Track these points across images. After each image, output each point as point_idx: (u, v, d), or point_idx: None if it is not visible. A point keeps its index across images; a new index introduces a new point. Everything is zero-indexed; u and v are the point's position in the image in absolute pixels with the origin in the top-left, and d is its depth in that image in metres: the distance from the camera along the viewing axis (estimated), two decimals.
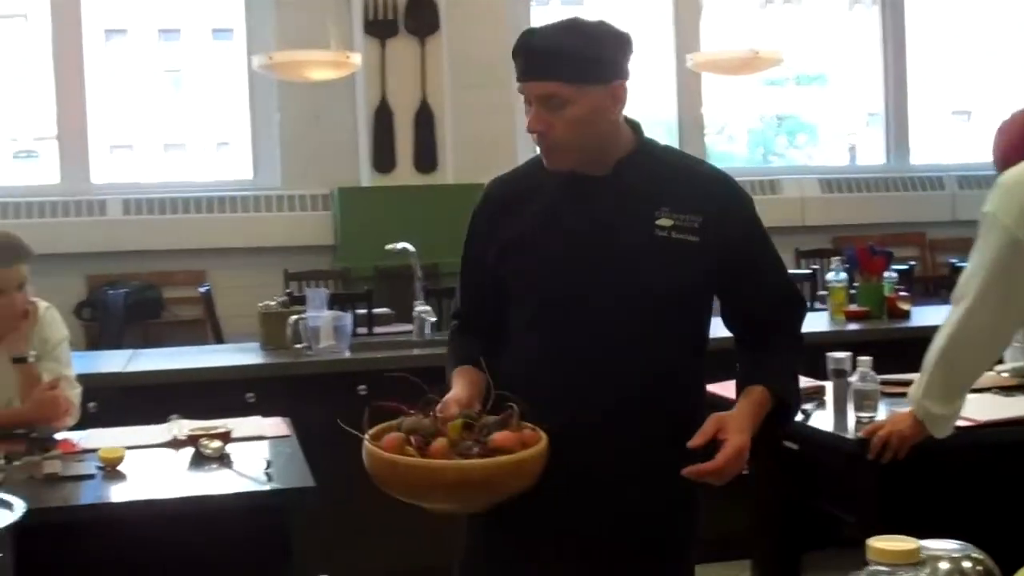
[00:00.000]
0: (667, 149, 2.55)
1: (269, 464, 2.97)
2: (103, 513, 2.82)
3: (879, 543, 1.38)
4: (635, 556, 2.43)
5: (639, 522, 2.42)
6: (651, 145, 2.51)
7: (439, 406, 2.28)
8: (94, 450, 3.17)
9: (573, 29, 2.37)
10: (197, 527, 2.85)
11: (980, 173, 8.95)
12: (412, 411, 2.26)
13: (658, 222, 2.39)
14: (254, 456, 3.00)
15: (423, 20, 8.26)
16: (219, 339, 7.03)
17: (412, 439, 2.19)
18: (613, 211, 2.42)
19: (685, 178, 2.46)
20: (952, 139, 10.96)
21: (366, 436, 2.23)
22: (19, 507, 2.15)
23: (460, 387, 2.40)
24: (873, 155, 10.28)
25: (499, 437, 2.20)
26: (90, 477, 2.99)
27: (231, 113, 9.27)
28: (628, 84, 2.40)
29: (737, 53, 7.35)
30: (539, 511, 2.33)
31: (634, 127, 2.49)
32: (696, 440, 2.31)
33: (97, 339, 7.11)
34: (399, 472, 2.17)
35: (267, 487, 2.87)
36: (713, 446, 2.31)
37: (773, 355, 2.50)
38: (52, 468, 3.02)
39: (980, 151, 8.65)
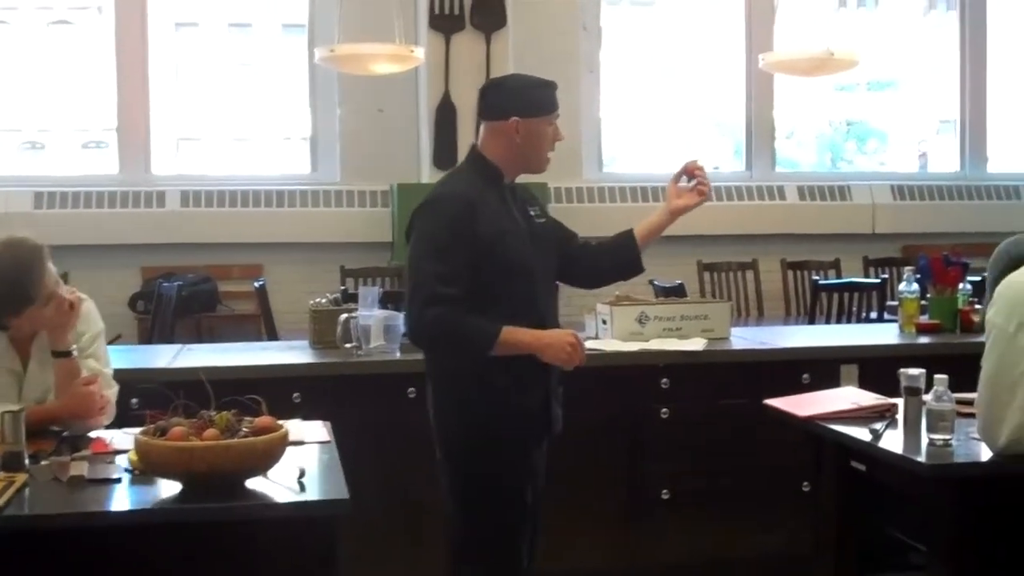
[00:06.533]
0: None
1: (302, 473, 2.82)
2: (117, 521, 2.68)
3: None
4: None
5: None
6: None
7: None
8: (127, 450, 3.03)
9: None
10: (224, 536, 2.72)
11: None
12: (163, 416, 2.76)
13: (531, 212, 3.54)
14: (289, 463, 2.86)
15: (490, 16, 8.15)
16: (272, 335, 6.92)
17: (189, 431, 2.69)
18: (519, 208, 3.50)
19: (515, 185, 3.56)
20: None
21: (146, 438, 2.69)
22: None
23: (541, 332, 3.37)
24: (945, 163, 10.07)
25: (260, 421, 2.78)
26: (116, 481, 2.85)
27: (293, 107, 9.22)
28: None
29: (812, 54, 7.14)
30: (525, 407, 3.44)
31: None
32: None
33: (150, 332, 7.02)
34: (195, 455, 2.63)
35: (298, 498, 2.72)
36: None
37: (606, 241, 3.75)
38: (78, 470, 2.88)
39: None
